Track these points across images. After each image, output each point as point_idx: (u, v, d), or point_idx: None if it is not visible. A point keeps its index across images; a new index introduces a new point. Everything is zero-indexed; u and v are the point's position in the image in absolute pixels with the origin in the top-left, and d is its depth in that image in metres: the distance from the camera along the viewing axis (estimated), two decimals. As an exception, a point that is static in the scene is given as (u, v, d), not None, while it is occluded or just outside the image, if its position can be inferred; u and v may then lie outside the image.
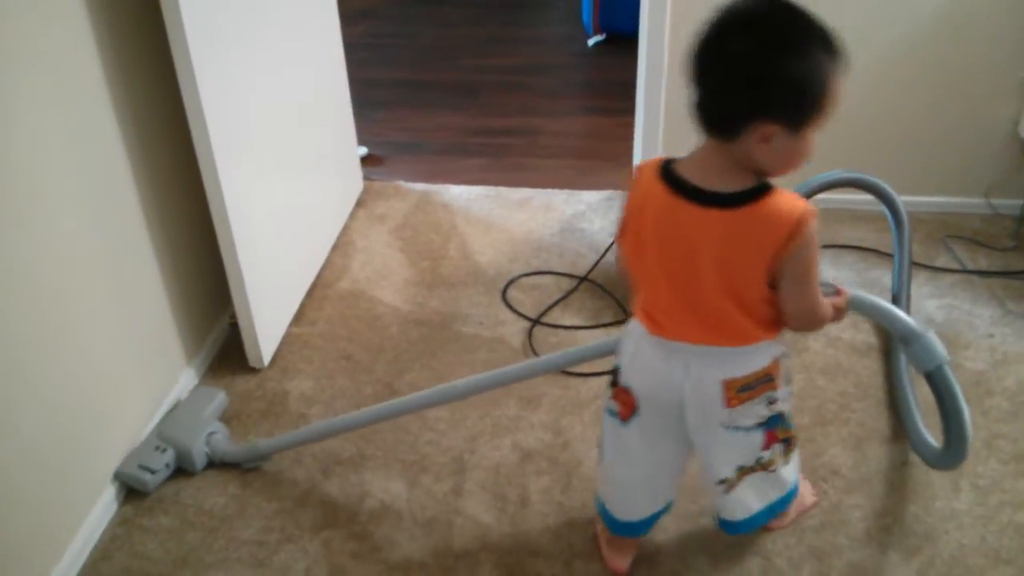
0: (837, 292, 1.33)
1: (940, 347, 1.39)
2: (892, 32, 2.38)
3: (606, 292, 2.33)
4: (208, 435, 1.82)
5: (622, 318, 2.23)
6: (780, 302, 1.21)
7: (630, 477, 1.46)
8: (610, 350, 1.49)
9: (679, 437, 1.38)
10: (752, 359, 1.28)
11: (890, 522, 1.68)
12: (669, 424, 1.35)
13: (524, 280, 2.40)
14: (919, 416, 1.78)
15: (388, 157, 3.12)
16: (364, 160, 2.98)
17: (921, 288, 2.30)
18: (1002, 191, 2.54)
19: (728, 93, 1.09)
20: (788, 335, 1.31)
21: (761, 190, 1.13)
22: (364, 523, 1.71)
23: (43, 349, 1.54)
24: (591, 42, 4.00)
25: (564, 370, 2.06)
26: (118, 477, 1.76)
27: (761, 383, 1.29)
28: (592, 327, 2.21)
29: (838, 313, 1.31)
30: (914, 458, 1.80)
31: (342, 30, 2.60)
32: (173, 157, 1.91)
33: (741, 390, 1.28)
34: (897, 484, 1.76)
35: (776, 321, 1.25)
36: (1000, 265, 2.38)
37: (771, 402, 1.32)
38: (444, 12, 4.51)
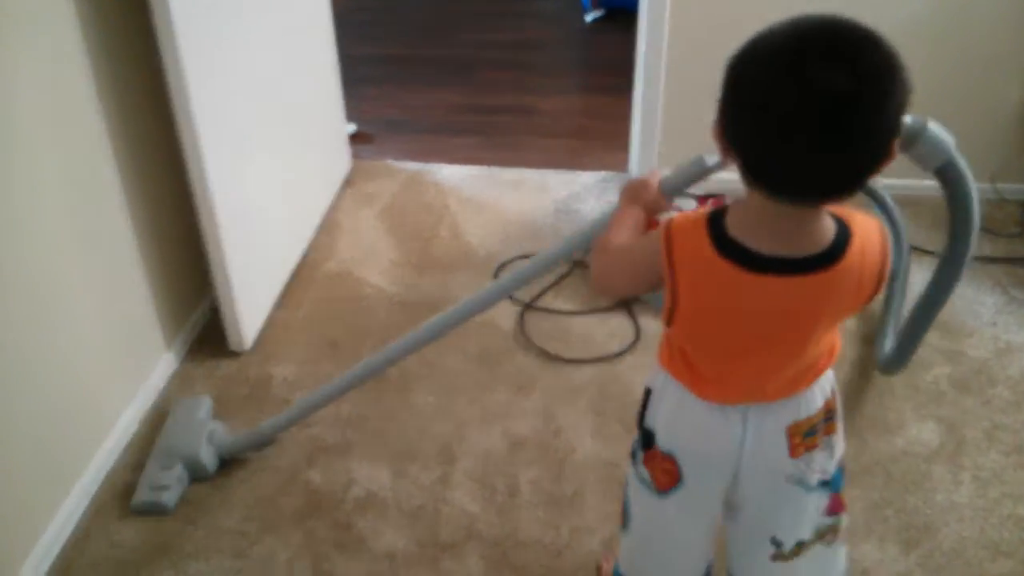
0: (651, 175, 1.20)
1: (945, 134, 1.20)
2: (895, 16, 2.32)
3: (600, 275, 2.28)
4: (208, 436, 1.75)
5: (615, 303, 2.17)
6: None
7: (669, 554, 1.25)
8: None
9: (716, 518, 1.20)
10: (814, 396, 1.09)
11: (890, 514, 1.64)
12: (717, 493, 1.16)
13: (517, 263, 2.35)
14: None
15: (377, 135, 3.05)
16: (353, 138, 2.92)
17: (924, 275, 2.24)
18: (1008, 176, 2.50)
19: (864, 149, 0.84)
20: None
21: (844, 240, 0.94)
22: (349, 512, 1.67)
23: (18, 332, 1.49)
24: (589, 18, 3.93)
25: (558, 356, 2.01)
26: (135, 510, 1.67)
27: (824, 422, 1.11)
28: (586, 312, 2.16)
29: (655, 203, 1.18)
30: (915, 449, 1.76)
31: (332, 3, 2.53)
32: (154, 134, 1.85)
33: (807, 434, 1.10)
34: (897, 476, 1.72)
35: (833, 345, 1.09)
36: (1004, 251, 2.33)
37: (832, 451, 1.14)
38: (438, -13, 4.43)
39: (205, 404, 1.83)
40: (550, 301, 2.21)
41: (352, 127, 2.95)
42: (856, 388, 1.91)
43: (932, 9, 2.31)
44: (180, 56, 1.67)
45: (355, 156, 2.82)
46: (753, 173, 0.89)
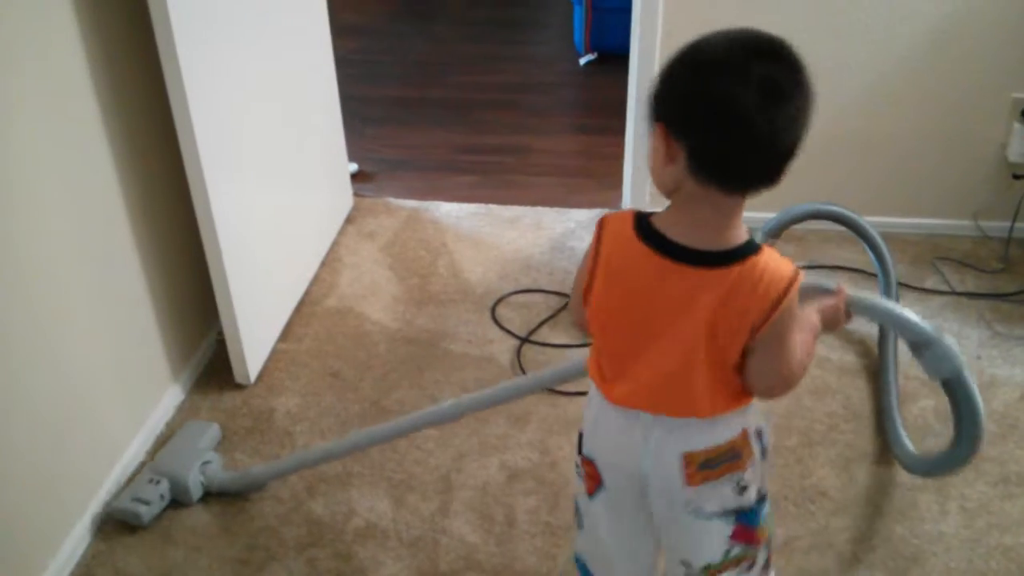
0: (835, 292, 1.21)
1: (956, 350, 1.27)
2: (881, 55, 2.40)
3: (595, 311, 2.33)
4: (202, 465, 1.79)
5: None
6: (750, 369, 1.08)
7: (603, 556, 1.31)
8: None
9: (648, 523, 1.24)
10: (716, 430, 1.13)
11: (877, 544, 1.67)
12: (636, 504, 1.21)
13: (513, 298, 2.40)
14: (903, 432, 1.78)
15: (378, 174, 3.12)
16: (354, 176, 2.98)
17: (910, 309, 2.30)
18: (990, 214, 2.56)
19: (775, 142, 0.96)
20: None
21: (753, 248, 1.03)
22: (349, 542, 1.70)
23: (24, 364, 1.53)
24: (582, 61, 4.02)
25: (552, 389, 2.05)
26: (111, 513, 1.72)
27: (725, 460, 1.14)
28: (581, 346, 2.21)
29: (835, 317, 1.19)
30: (902, 479, 1.80)
31: (334, 45, 2.60)
32: (162, 170, 1.91)
33: (702, 466, 1.13)
34: (885, 506, 1.75)
35: (745, 389, 1.12)
36: (988, 287, 2.39)
37: (741, 488, 1.16)
38: (436, 29, 4.53)
39: (210, 432, 1.88)
40: (546, 335, 2.26)
41: (354, 166, 3.02)
42: (841, 419, 1.96)
43: (915, 49, 2.38)
44: (186, 96, 1.72)
45: (356, 194, 2.88)
46: (697, 160, 0.99)
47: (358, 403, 2.04)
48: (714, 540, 1.19)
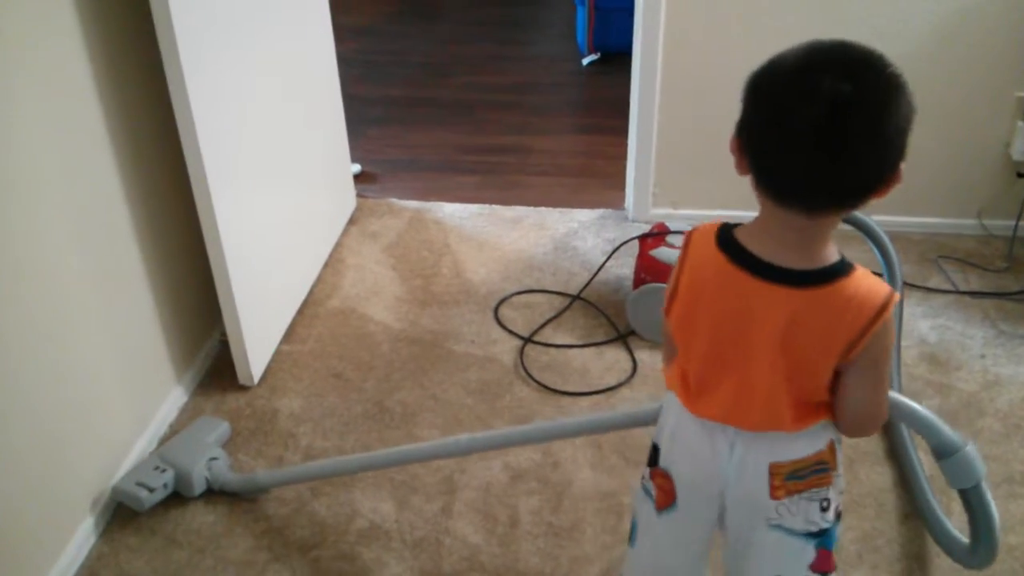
0: None
1: (979, 462, 1.24)
2: (885, 54, 2.39)
3: (598, 311, 2.33)
4: (209, 461, 1.79)
5: (614, 336, 2.23)
6: (842, 397, 1.06)
7: (660, 569, 1.28)
8: (643, 420, 1.37)
9: (708, 547, 1.22)
10: (803, 442, 1.10)
11: (881, 544, 1.67)
12: (707, 524, 1.18)
13: (516, 298, 2.40)
14: (946, 520, 1.65)
15: (381, 174, 3.12)
16: (357, 177, 2.98)
17: (914, 309, 2.30)
18: (994, 212, 2.55)
19: (867, 157, 0.91)
20: None
21: (844, 269, 0.99)
22: (353, 543, 1.70)
23: (29, 365, 1.53)
24: (585, 61, 4.02)
25: (556, 389, 2.06)
26: (114, 493, 1.74)
27: (813, 472, 1.11)
28: (584, 346, 2.21)
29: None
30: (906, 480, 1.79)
31: (336, 46, 2.60)
32: (165, 172, 1.91)
33: (789, 477, 1.10)
34: (889, 506, 1.75)
35: (826, 404, 1.09)
36: (993, 286, 2.38)
37: (824, 506, 1.13)
38: (439, 30, 4.53)
39: (220, 429, 1.89)
40: (549, 335, 2.26)
41: (357, 167, 3.02)
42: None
43: (919, 48, 2.38)
44: (189, 98, 1.72)
45: (359, 195, 2.88)
46: (763, 179, 0.96)
47: (361, 404, 2.04)
48: (791, 564, 1.15)
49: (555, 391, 2.06)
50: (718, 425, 1.11)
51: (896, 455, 1.84)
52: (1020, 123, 2.42)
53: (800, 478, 1.10)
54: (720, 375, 1.08)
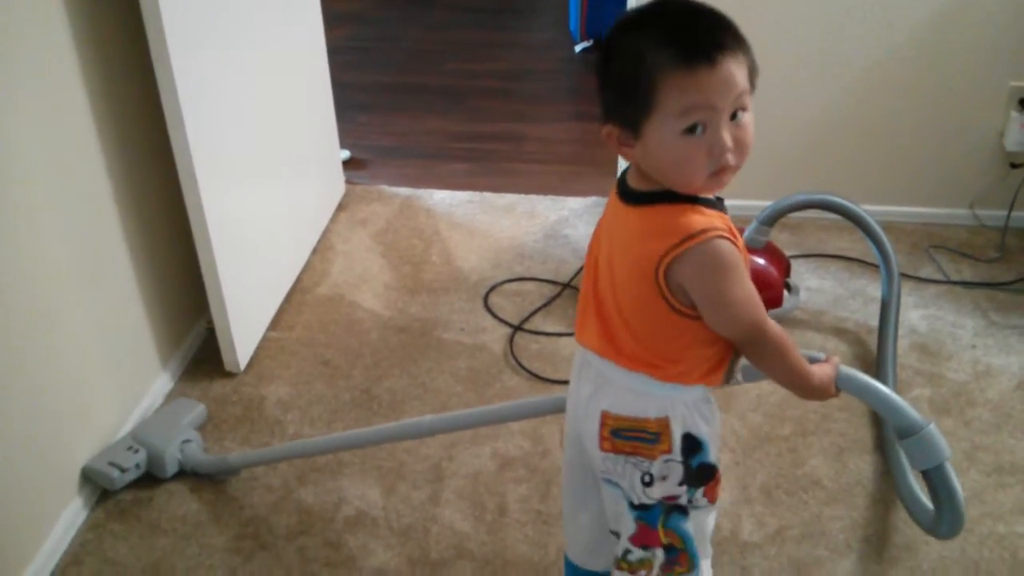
0: (827, 361, 1.17)
1: (942, 442, 1.19)
2: (878, 44, 2.39)
3: (589, 299, 2.32)
4: (182, 443, 1.79)
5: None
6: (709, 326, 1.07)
7: (568, 510, 1.35)
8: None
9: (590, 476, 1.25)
10: (636, 400, 1.12)
11: (870, 533, 1.67)
12: (579, 461, 1.25)
13: (507, 286, 2.38)
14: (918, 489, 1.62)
15: (371, 161, 3.10)
16: (346, 164, 2.96)
17: (905, 298, 2.29)
18: (987, 202, 2.55)
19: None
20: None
21: (662, 197, 1.04)
22: (339, 531, 1.69)
23: (14, 350, 1.51)
24: (578, 48, 4.00)
25: (546, 377, 2.05)
26: (86, 472, 1.73)
27: (633, 437, 1.12)
28: (573, 334, 2.19)
29: (824, 386, 1.15)
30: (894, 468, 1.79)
31: (325, 32, 2.58)
32: (151, 159, 1.89)
33: (614, 432, 1.13)
34: (878, 495, 1.75)
35: (676, 366, 1.09)
36: (984, 276, 2.38)
37: (647, 480, 1.14)
38: (430, 16, 4.50)
39: (195, 411, 1.88)
40: (539, 323, 2.24)
41: (346, 154, 2.99)
42: (835, 408, 1.95)
43: (912, 38, 2.37)
44: (176, 84, 1.71)
45: (349, 181, 2.86)
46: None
47: (349, 391, 2.03)
48: (623, 523, 1.20)
49: (545, 379, 2.05)
50: (586, 361, 1.18)
51: (882, 443, 1.84)
52: (1014, 113, 2.41)
53: (624, 438, 1.13)
54: (587, 297, 1.16)
